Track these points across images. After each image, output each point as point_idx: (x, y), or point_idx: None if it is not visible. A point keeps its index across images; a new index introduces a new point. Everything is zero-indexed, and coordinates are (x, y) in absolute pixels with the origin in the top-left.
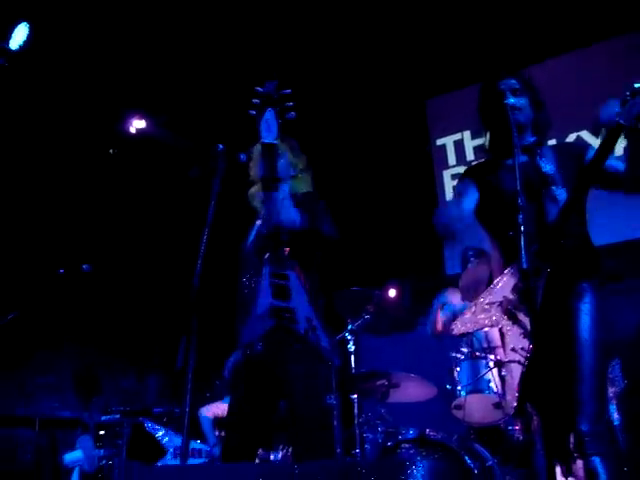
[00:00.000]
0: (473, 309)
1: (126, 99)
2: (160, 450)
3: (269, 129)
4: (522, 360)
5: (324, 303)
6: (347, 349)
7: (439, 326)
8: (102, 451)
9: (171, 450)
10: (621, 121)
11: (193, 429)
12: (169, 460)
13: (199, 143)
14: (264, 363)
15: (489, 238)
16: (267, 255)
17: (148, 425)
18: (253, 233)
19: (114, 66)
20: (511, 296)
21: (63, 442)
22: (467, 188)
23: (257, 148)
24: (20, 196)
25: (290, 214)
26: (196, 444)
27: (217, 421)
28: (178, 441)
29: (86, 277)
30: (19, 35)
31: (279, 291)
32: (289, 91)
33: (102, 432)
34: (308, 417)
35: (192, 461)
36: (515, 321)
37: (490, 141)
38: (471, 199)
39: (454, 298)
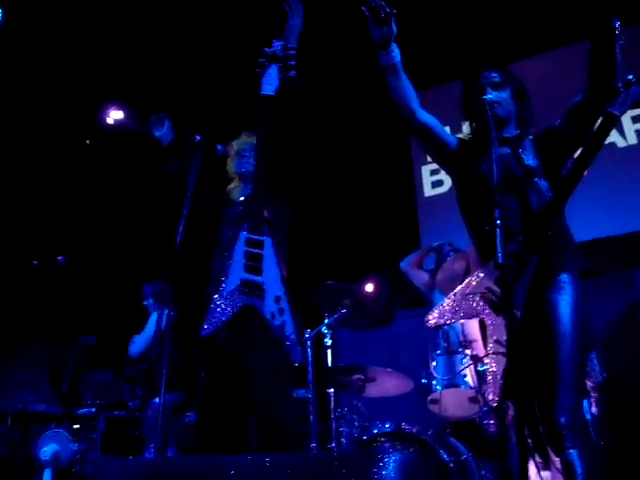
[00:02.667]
0: (452, 299)
1: (103, 89)
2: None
3: (271, 82)
4: (506, 351)
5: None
6: (324, 343)
7: (415, 270)
8: (77, 445)
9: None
10: (614, 111)
11: None
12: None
13: (176, 134)
14: (228, 355)
15: (468, 231)
16: (245, 222)
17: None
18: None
19: (91, 55)
20: (495, 287)
21: (36, 436)
22: (444, 132)
23: (234, 144)
24: None
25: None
26: None
27: None
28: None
29: (61, 269)
30: None
31: (252, 260)
32: (294, 51)
33: (77, 426)
34: (270, 415)
35: None
36: (499, 312)
37: (473, 134)
38: (435, 124)
39: (457, 263)
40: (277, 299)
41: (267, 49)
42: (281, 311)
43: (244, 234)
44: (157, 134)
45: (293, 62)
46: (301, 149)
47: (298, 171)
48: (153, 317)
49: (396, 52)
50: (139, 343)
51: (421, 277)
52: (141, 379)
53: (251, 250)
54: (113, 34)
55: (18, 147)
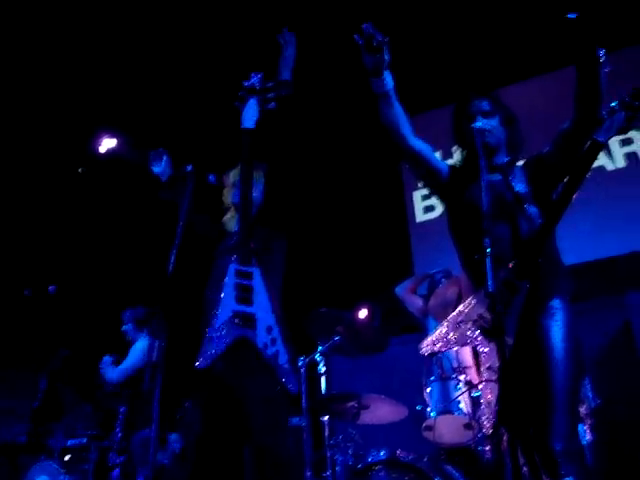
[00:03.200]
0: (444, 327)
1: (96, 117)
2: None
3: (250, 115)
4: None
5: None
6: (318, 371)
7: (410, 296)
8: (68, 477)
9: None
10: (599, 139)
11: None
12: None
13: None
14: (224, 386)
15: (459, 258)
16: (234, 255)
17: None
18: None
19: (84, 84)
20: (487, 315)
21: (26, 468)
22: (436, 159)
23: (231, 175)
24: None
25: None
26: None
27: None
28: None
29: (52, 298)
30: None
31: (243, 292)
32: (272, 83)
33: (67, 457)
34: (266, 445)
35: None
36: (492, 339)
37: (464, 161)
38: (427, 151)
39: (449, 289)
40: (269, 329)
41: (245, 82)
42: (274, 341)
43: (233, 266)
44: (156, 170)
45: (272, 95)
46: (294, 178)
47: (292, 201)
48: (139, 345)
49: (389, 79)
50: (121, 371)
51: (415, 302)
52: (125, 411)
53: (241, 282)
54: (106, 63)
55: (11, 175)
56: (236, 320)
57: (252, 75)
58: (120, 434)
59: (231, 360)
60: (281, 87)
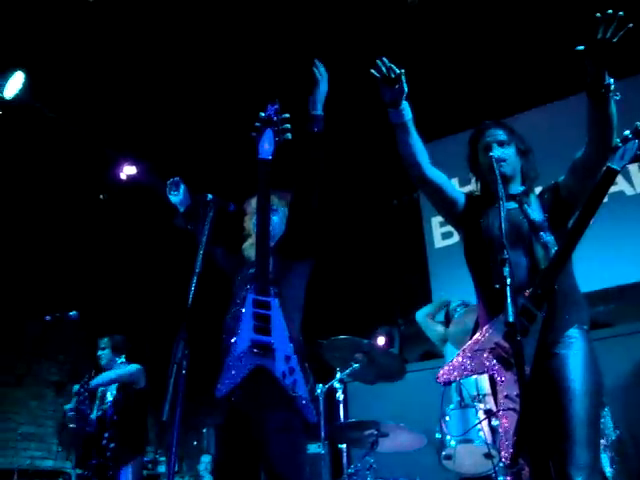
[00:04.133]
0: (461, 356)
1: (117, 145)
2: None
3: (266, 146)
4: (517, 408)
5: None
6: (336, 398)
7: (432, 323)
8: None
9: None
10: (614, 166)
11: None
12: None
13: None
14: (242, 414)
15: (474, 286)
16: (251, 285)
17: None
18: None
19: (106, 113)
20: (504, 343)
21: None
22: (452, 188)
23: (252, 202)
24: (7, 242)
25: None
26: None
27: None
28: None
29: (73, 324)
30: (14, 84)
31: (261, 321)
32: (288, 115)
33: None
34: (283, 474)
35: None
36: (509, 368)
37: (481, 190)
38: (442, 180)
39: (468, 316)
40: (287, 358)
41: (262, 114)
42: (292, 370)
43: (251, 295)
44: (174, 200)
45: (288, 126)
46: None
47: (318, 231)
48: (130, 368)
49: (407, 110)
50: (106, 376)
51: (435, 329)
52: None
53: (259, 311)
54: (129, 94)
55: (34, 203)
56: (255, 350)
57: (268, 106)
58: (110, 461)
59: (249, 389)
60: (314, 122)
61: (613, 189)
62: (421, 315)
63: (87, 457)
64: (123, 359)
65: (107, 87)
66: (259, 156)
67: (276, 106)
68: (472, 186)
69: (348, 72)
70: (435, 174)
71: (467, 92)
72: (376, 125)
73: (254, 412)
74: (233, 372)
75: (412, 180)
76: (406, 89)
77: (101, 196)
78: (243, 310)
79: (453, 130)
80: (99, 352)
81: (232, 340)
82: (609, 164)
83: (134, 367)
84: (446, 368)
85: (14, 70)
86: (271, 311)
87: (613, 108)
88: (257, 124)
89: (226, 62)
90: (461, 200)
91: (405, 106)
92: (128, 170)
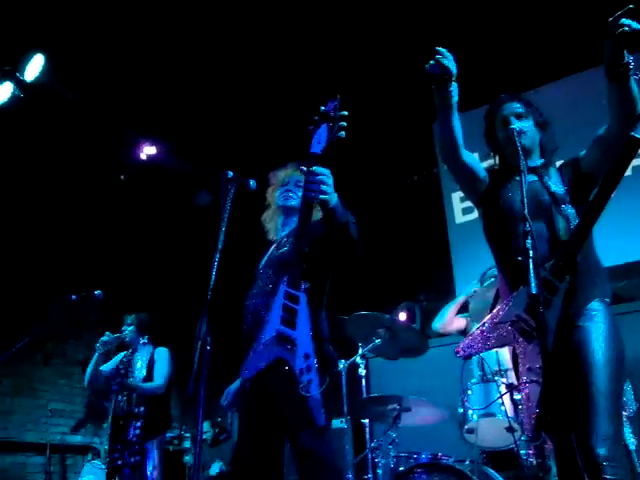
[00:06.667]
0: (482, 329)
1: (137, 125)
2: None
3: (319, 141)
4: (539, 380)
5: (328, 335)
6: (358, 374)
7: (451, 326)
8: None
9: None
10: (638, 135)
11: None
12: None
13: (209, 169)
14: (263, 397)
15: (495, 260)
16: (285, 275)
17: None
18: (270, 252)
19: (126, 92)
20: (525, 315)
21: (75, 468)
22: (481, 169)
23: (279, 174)
24: (31, 223)
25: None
26: None
27: None
28: None
29: (99, 303)
30: (35, 66)
31: (288, 314)
32: (346, 113)
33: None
34: (307, 448)
35: None
36: (531, 340)
37: (500, 165)
38: (475, 163)
39: (489, 291)
40: (306, 356)
41: (323, 108)
42: (309, 369)
43: (284, 287)
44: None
45: (344, 124)
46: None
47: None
48: (161, 355)
49: (455, 92)
50: (163, 376)
51: (458, 325)
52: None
53: (288, 304)
54: (149, 74)
55: (56, 183)
56: (279, 340)
57: (329, 102)
58: (135, 437)
59: (269, 376)
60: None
61: (636, 162)
62: (437, 322)
63: (117, 432)
64: (146, 339)
65: (126, 67)
66: (310, 150)
67: (336, 102)
68: (490, 161)
69: (368, 50)
70: (469, 157)
71: (483, 68)
72: (397, 101)
73: (273, 397)
74: (259, 357)
75: (444, 160)
76: (455, 70)
77: (122, 176)
78: (275, 299)
79: (470, 106)
80: (124, 327)
81: (260, 327)
82: (633, 133)
83: (155, 385)
84: (466, 341)
85: (34, 53)
86: (299, 305)
87: (634, 86)
88: (315, 117)
89: (245, 41)
90: (486, 179)
91: (454, 87)
92: (148, 150)
